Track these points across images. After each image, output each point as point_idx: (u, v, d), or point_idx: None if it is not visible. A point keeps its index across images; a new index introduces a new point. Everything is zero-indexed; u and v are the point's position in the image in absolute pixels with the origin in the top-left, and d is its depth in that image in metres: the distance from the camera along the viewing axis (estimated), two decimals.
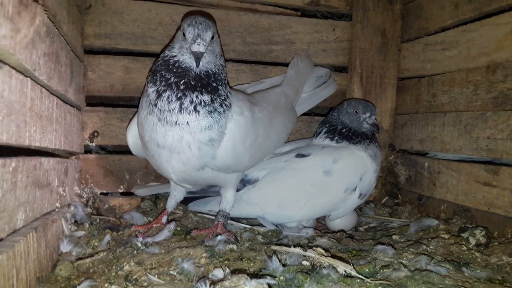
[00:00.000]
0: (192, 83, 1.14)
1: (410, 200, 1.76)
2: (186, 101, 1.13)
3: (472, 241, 1.24)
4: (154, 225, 1.36)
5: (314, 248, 1.07)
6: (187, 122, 1.13)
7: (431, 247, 1.21)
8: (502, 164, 1.31)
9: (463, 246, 1.21)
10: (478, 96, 1.40)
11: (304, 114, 1.78)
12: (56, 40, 1.02)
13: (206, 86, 1.15)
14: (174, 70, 1.15)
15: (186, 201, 1.50)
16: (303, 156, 1.46)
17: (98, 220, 1.39)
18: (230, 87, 1.35)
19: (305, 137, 1.79)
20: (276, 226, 1.44)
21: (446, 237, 1.29)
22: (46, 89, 0.96)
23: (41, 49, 0.89)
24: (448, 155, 1.56)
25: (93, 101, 1.58)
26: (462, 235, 1.29)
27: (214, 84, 1.17)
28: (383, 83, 1.83)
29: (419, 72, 1.72)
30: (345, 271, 0.98)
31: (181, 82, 1.14)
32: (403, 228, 1.45)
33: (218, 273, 0.96)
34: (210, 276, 0.96)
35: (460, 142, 1.46)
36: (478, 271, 1.04)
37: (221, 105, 1.18)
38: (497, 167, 1.31)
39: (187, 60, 1.15)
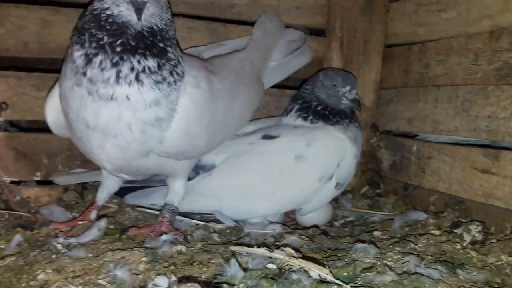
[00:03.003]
0: (132, 43, 1.10)
1: (394, 190, 1.79)
2: (125, 68, 1.09)
3: (467, 238, 1.26)
4: (80, 222, 1.34)
5: (282, 248, 1.08)
6: (127, 96, 1.09)
7: (419, 245, 1.23)
8: (504, 148, 1.32)
9: (457, 244, 1.23)
10: (479, 67, 1.41)
11: (274, 86, 1.76)
12: None
13: (151, 47, 1.11)
14: (108, 27, 1.10)
15: (122, 192, 1.49)
16: (271, 137, 1.47)
17: (6, 216, 1.38)
18: (181, 50, 1.32)
19: (274, 114, 1.78)
20: (236, 222, 1.44)
21: (437, 234, 1.31)
22: None
23: None
24: (441, 137, 1.59)
25: (1, 64, 1.54)
26: (455, 231, 1.31)
27: (161, 45, 1.13)
28: (367, 50, 1.84)
29: (409, 38, 1.73)
30: (319, 275, 0.98)
31: (118, 43, 1.09)
32: (386, 223, 1.48)
33: (161, 281, 0.94)
34: (150, 285, 0.95)
35: (456, 122, 1.49)
36: (475, 273, 1.06)
37: (171, 73, 1.15)
38: (498, 152, 1.33)
39: (125, 12, 1.10)
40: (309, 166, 1.43)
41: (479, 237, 1.26)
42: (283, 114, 1.62)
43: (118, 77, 1.08)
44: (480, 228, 1.27)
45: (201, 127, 1.26)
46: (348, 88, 1.53)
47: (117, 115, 1.10)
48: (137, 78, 1.09)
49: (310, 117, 1.54)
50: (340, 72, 1.57)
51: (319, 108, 1.54)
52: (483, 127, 1.37)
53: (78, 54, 1.11)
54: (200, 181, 1.44)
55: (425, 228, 1.37)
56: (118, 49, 1.09)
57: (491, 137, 1.35)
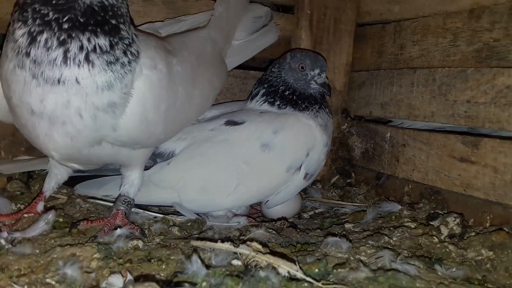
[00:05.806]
0: (81, 19, 1.06)
1: (366, 180, 1.82)
2: (74, 47, 1.05)
3: (444, 231, 1.28)
4: (26, 215, 1.32)
5: (248, 242, 1.06)
6: (76, 79, 1.06)
7: (394, 238, 1.24)
8: (483, 135, 1.35)
9: (434, 237, 1.23)
10: (458, 48, 1.43)
11: (238, 67, 1.74)
12: None
13: (102, 24, 1.08)
14: (53, 1, 1.06)
15: (72, 181, 1.47)
16: (234, 123, 1.48)
17: None
18: (135, 27, 1.29)
19: (238, 98, 1.79)
20: (198, 215, 1.44)
21: (412, 226, 1.32)
22: None
23: None
24: (416, 123, 1.62)
25: None
26: (432, 223, 1.32)
27: (114, 22, 1.10)
28: (337, 29, 1.87)
29: (383, 17, 1.74)
30: (288, 272, 0.97)
31: (65, 19, 1.06)
32: (358, 215, 1.50)
33: (116, 280, 0.94)
34: (103, 285, 0.94)
35: (433, 107, 1.50)
36: (454, 269, 1.07)
37: (125, 53, 1.12)
38: (477, 139, 1.35)
39: None
40: (276, 156, 1.45)
41: (457, 230, 1.27)
42: (248, 98, 1.62)
43: (65, 57, 1.05)
44: (458, 220, 1.28)
45: (159, 114, 1.24)
46: (317, 71, 1.55)
47: (66, 101, 1.07)
48: (87, 59, 1.06)
49: (277, 102, 1.55)
50: (309, 54, 1.58)
51: (286, 93, 1.56)
52: (461, 112, 1.39)
53: (20, 33, 1.07)
54: (158, 171, 1.44)
55: (400, 220, 1.38)
56: (66, 25, 1.05)
57: (470, 123, 1.37)
